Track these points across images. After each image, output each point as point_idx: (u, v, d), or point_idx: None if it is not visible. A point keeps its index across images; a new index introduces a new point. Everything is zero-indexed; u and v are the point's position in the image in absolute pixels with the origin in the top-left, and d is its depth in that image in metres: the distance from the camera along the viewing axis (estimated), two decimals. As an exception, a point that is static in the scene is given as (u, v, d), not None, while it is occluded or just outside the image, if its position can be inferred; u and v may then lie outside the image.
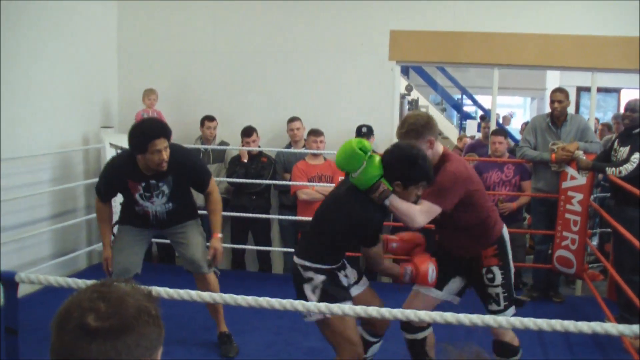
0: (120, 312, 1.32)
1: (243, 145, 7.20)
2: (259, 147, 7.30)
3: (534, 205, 6.85)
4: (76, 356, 1.29)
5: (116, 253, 4.85)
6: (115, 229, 5.00)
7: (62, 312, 1.34)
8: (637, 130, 5.74)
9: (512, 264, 4.14)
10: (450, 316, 2.54)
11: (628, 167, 5.59)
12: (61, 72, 6.91)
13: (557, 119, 6.49)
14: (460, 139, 12.16)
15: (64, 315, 1.33)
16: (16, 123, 6.27)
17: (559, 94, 6.50)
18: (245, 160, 7.15)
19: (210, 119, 7.37)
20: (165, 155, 4.46)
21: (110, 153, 6.84)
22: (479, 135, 12.85)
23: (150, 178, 4.64)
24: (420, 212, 3.75)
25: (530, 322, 2.49)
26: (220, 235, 4.93)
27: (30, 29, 6.46)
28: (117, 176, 4.71)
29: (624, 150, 5.77)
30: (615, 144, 5.98)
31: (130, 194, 4.72)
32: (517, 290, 6.84)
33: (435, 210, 3.80)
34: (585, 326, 2.42)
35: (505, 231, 4.13)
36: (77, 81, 7.25)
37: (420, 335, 4.30)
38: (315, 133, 7.07)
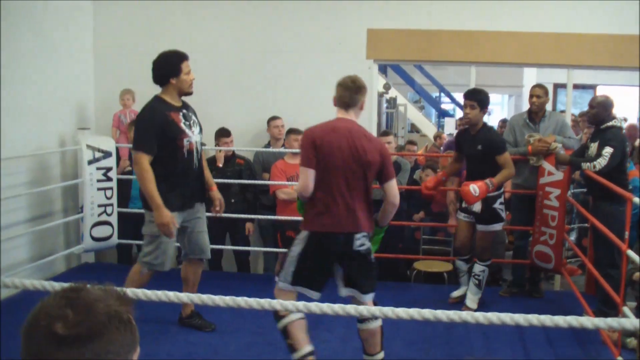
0: (89, 319, 1.30)
1: (218, 147, 7.15)
2: (233, 148, 7.26)
3: (514, 202, 6.89)
4: None
5: (170, 245, 5.01)
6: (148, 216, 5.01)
7: (30, 319, 1.32)
8: (604, 125, 5.82)
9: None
10: (428, 313, 2.55)
11: (601, 162, 5.65)
12: (36, 73, 6.84)
13: (535, 114, 6.54)
14: (437, 136, 12.20)
15: (32, 322, 1.31)
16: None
17: (538, 89, 6.56)
18: (221, 165, 7.10)
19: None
20: (194, 76, 5.03)
21: (87, 155, 6.79)
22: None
23: (182, 109, 5.03)
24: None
25: (507, 318, 2.50)
26: (215, 187, 5.38)
27: (4, 30, 6.39)
28: (158, 114, 4.90)
29: (594, 146, 5.86)
30: (589, 140, 6.07)
31: (176, 126, 4.92)
32: (497, 286, 6.91)
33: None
34: (561, 320, 2.43)
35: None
36: (53, 82, 7.19)
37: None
38: (294, 132, 7.06)
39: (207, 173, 5.34)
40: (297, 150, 6.96)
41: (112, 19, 7.98)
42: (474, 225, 6.15)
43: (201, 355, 5.11)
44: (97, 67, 8.00)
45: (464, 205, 6.08)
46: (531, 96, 6.54)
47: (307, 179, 4.18)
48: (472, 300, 6.11)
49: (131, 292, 2.55)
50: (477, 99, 5.83)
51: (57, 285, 2.77)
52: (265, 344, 5.29)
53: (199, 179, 5.18)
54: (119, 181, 7.12)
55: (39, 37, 6.91)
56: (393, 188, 4.31)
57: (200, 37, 7.85)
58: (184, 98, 5.11)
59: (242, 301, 2.59)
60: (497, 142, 5.91)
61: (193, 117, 5.11)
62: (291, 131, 7.09)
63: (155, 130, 4.87)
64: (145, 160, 4.80)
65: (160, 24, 7.93)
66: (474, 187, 5.63)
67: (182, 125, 4.95)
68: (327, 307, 2.60)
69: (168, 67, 4.96)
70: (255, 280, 7.17)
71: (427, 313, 2.55)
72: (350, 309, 2.66)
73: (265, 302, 2.59)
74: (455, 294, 6.39)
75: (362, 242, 4.24)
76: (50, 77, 7.13)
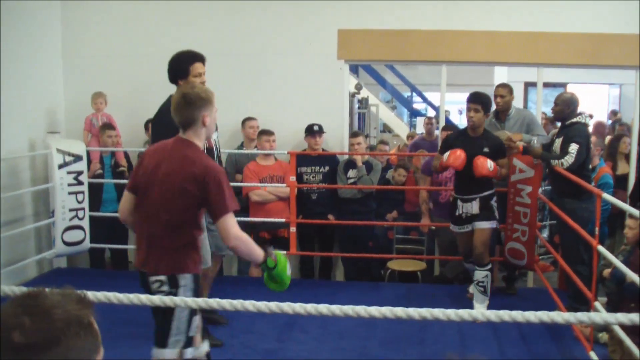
0: (46, 327, 1.29)
1: None
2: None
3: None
4: None
5: (205, 239, 4.91)
6: None
7: None
8: (569, 122, 5.91)
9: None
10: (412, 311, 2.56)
11: (569, 160, 5.73)
12: (4, 76, 6.76)
13: (501, 113, 6.60)
14: (410, 136, 12.25)
15: None
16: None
17: (502, 89, 6.64)
18: None
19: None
20: (204, 79, 4.91)
21: (57, 159, 6.73)
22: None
23: None
24: None
25: (479, 314, 2.51)
26: None
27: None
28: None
29: (558, 142, 5.97)
30: (554, 136, 6.17)
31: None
32: (470, 283, 6.95)
33: None
34: (532, 316, 2.45)
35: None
36: (22, 86, 7.11)
37: None
38: (266, 133, 7.06)
39: None
40: (270, 152, 6.97)
41: (81, 21, 7.90)
42: (471, 233, 6.05)
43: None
44: (67, 70, 7.92)
45: (458, 212, 6.07)
46: (495, 96, 6.61)
47: (122, 202, 3.83)
48: (479, 307, 5.90)
49: (90, 294, 2.52)
50: (482, 102, 5.87)
51: (17, 289, 2.75)
52: (242, 347, 5.28)
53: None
54: (90, 185, 7.07)
55: (6, 40, 6.83)
56: (223, 229, 3.51)
57: (170, 38, 7.79)
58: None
59: (215, 302, 2.59)
60: (504, 146, 6.03)
61: None
62: (263, 132, 7.09)
63: (174, 131, 4.84)
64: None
65: (131, 25, 7.86)
66: (490, 162, 5.76)
67: None
68: (300, 307, 2.60)
69: (177, 68, 4.95)
70: (229, 282, 7.15)
71: (400, 311, 2.56)
72: (323, 308, 2.66)
73: (238, 304, 2.59)
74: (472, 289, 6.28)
75: (158, 286, 3.58)
76: (18, 81, 7.05)
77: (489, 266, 6.02)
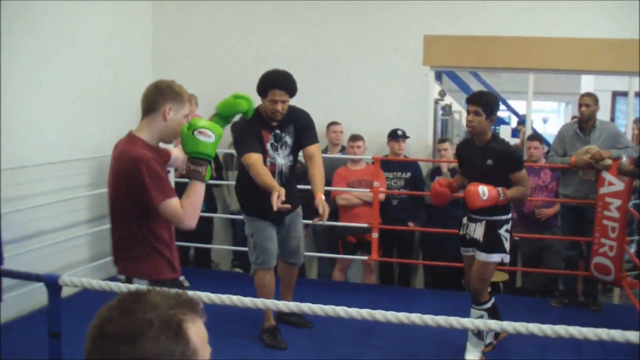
0: (127, 323, 1.30)
1: None
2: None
3: (562, 212, 6.77)
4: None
5: (267, 241, 5.19)
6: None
7: (94, 320, 1.35)
8: None
9: None
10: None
11: None
12: (96, 76, 6.98)
13: (585, 124, 6.42)
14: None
15: (92, 323, 1.34)
16: (52, 128, 6.35)
17: (587, 98, 6.45)
18: None
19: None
20: (280, 107, 4.91)
21: (145, 158, 6.89)
22: (514, 141, 12.74)
23: (276, 128, 5.07)
24: None
25: (562, 330, 2.46)
26: (322, 195, 4.96)
27: (65, 34, 6.56)
28: (251, 126, 4.96)
29: None
30: None
31: (262, 144, 4.97)
32: (552, 296, 6.80)
33: None
34: (618, 334, 2.39)
35: None
36: (112, 85, 7.32)
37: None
38: (353, 138, 7.09)
39: (316, 180, 5.04)
40: (359, 157, 6.98)
41: (171, 23, 8.10)
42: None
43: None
44: (156, 70, 8.11)
45: (462, 231, 5.19)
46: (580, 105, 6.44)
47: None
48: (472, 353, 5.16)
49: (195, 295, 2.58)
50: (483, 103, 4.86)
51: (113, 285, 2.84)
52: (318, 350, 5.31)
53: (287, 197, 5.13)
54: (177, 184, 7.21)
55: (99, 40, 7.05)
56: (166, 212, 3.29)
57: (256, 42, 7.91)
58: (296, 114, 5.16)
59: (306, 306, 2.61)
60: (514, 156, 4.99)
61: (286, 138, 5.12)
62: (351, 137, 7.11)
63: (252, 136, 4.98)
64: (252, 156, 4.84)
65: (218, 28, 8.01)
66: (483, 189, 4.74)
67: (268, 145, 5.05)
68: (380, 315, 2.61)
69: (260, 86, 5.02)
70: (309, 285, 7.18)
71: (480, 323, 2.54)
72: (403, 317, 2.65)
73: (317, 308, 2.61)
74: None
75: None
76: (109, 80, 7.26)
77: (487, 305, 5.10)
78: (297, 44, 7.83)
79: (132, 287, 2.72)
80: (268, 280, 5.29)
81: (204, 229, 7.27)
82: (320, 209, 4.89)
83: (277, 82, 4.92)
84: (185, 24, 8.11)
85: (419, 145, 7.58)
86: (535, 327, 2.48)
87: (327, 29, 7.75)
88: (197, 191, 3.25)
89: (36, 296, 5.77)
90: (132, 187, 3.28)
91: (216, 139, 3.19)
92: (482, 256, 4.96)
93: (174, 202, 3.24)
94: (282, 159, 5.16)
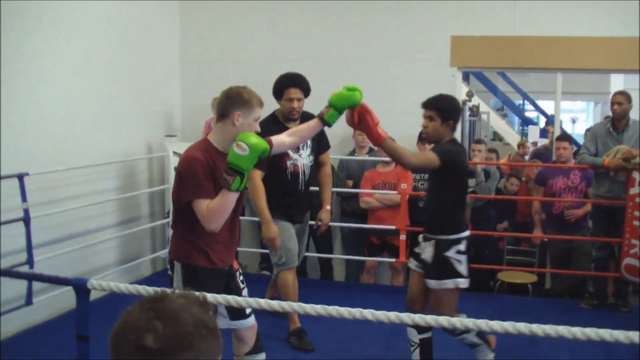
0: (178, 331, 1.31)
1: None
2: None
3: (594, 212, 6.69)
4: None
5: (288, 242, 5.22)
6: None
7: (117, 331, 1.34)
8: None
9: None
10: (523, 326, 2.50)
11: None
12: (124, 80, 7.03)
13: (617, 122, 6.34)
14: (520, 145, 12.00)
15: (120, 334, 1.33)
16: (81, 133, 6.41)
17: (620, 96, 6.36)
18: None
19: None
20: (297, 105, 5.08)
21: (173, 161, 6.93)
22: (542, 142, 12.65)
23: None
24: None
25: (593, 332, 2.42)
26: (328, 207, 5.33)
27: (95, 39, 6.62)
28: (266, 132, 4.96)
29: None
30: None
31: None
32: (582, 298, 6.71)
33: None
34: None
35: None
36: (140, 90, 7.37)
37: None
38: None
39: (324, 191, 5.47)
40: (385, 159, 6.95)
41: (199, 27, 8.14)
42: (420, 279, 4.54)
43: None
44: (184, 74, 8.17)
45: (415, 249, 4.61)
46: (612, 104, 6.36)
47: None
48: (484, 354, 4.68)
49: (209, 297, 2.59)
50: (437, 108, 4.47)
51: (142, 289, 2.85)
52: (345, 353, 5.29)
53: (305, 200, 5.33)
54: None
55: (127, 45, 7.11)
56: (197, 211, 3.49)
57: (285, 45, 7.92)
58: (312, 117, 5.23)
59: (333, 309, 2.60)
60: (439, 146, 4.43)
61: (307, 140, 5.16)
62: None
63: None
64: (257, 176, 4.95)
65: (246, 32, 8.03)
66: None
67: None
68: (407, 317, 2.59)
69: (275, 88, 5.20)
70: (337, 288, 7.17)
71: (509, 326, 2.50)
72: (431, 319, 2.63)
73: (345, 311, 2.60)
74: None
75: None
76: (137, 85, 7.31)
77: (465, 331, 4.47)
78: (324, 46, 7.83)
79: (151, 290, 2.76)
80: (292, 281, 5.30)
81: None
82: (323, 220, 5.34)
83: (291, 81, 5.13)
84: (212, 27, 8.14)
85: (446, 147, 7.53)
86: (565, 330, 2.44)
87: (354, 30, 7.74)
88: (224, 198, 3.40)
89: (65, 299, 5.82)
90: (176, 182, 3.57)
91: (250, 153, 3.31)
92: (432, 283, 4.38)
93: (201, 203, 3.41)
94: (304, 160, 5.25)
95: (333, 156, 7.28)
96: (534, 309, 6.50)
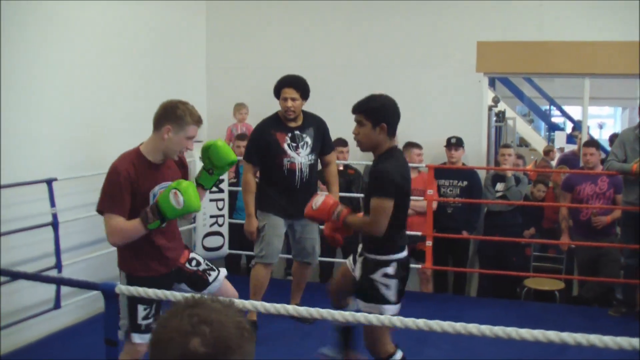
0: (225, 334, 1.33)
1: (337, 155, 7.20)
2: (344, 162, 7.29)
3: (624, 219, 6.61)
4: None
5: (273, 237, 5.40)
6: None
7: (161, 334, 1.35)
8: None
9: None
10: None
11: None
12: (151, 85, 7.07)
13: None
14: (547, 150, 11.92)
15: (164, 338, 1.34)
16: (109, 138, 6.44)
17: None
18: (341, 168, 7.20)
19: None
20: (292, 104, 5.27)
21: (200, 167, 6.95)
22: (569, 147, 12.54)
23: (295, 129, 5.38)
24: None
25: (625, 342, 2.40)
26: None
27: (122, 44, 6.67)
28: (264, 130, 5.38)
29: None
30: None
31: (278, 145, 5.29)
32: (610, 306, 6.64)
33: None
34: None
35: None
36: (167, 95, 7.34)
37: None
38: (412, 145, 7.05)
39: (332, 189, 5.66)
40: (417, 165, 6.93)
41: (225, 32, 8.20)
42: (347, 275, 4.27)
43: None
44: (210, 81, 8.21)
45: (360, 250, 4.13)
46: None
47: None
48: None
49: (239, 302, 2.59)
50: (364, 110, 4.04)
51: (169, 294, 2.87)
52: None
53: (304, 196, 5.29)
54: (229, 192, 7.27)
55: (154, 51, 7.16)
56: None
57: (310, 52, 7.94)
58: (315, 118, 5.53)
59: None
60: (377, 178, 3.88)
61: (307, 139, 5.42)
62: (409, 145, 7.06)
63: (259, 144, 5.36)
64: (249, 170, 5.40)
65: (271, 39, 8.07)
66: (318, 200, 4.07)
67: (285, 145, 5.32)
68: (436, 325, 2.58)
69: (274, 89, 5.41)
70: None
71: (539, 334, 2.48)
72: (460, 327, 2.62)
73: (373, 318, 2.59)
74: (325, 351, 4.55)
75: None
76: (163, 90, 7.34)
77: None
78: (350, 53, 7.84)
79: (178, 295, 2.79)
80: (263, 276, 5.43)
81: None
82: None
83: (286, 81, 5.33)
84: (239, 32, 8.19)
85: (472, 153, 7.50)
86: (596, 339, 2.41)
87: (380, 37, 7.74)
88: (136, 229, 3.49)
89: (92, 303, 5.88)
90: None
91: (182, 209, 3.39)
92: (359, 304, 3.95)
93: (112, 218, 3.53)
94: (302, 158, 5.38)
95: (359, 162, 7.30)
96: (560, 316, 6.44)
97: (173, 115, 3.62)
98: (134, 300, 3.51)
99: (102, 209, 3.55)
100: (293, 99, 5.28)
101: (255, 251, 5.51)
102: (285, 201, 5.38)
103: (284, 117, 5.38)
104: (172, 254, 3.81)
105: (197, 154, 7.11)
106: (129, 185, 3.54)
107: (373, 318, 2.68)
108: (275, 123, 5.39)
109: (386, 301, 3.85)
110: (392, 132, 3.99)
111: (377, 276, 3.85)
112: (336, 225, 3.93)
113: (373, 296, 3.85)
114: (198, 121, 3.73)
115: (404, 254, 3.97)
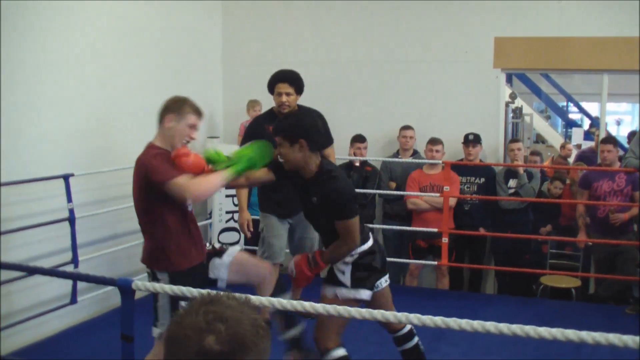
0: (240, 332, 1.32)
1: (354, 151, 7.22)
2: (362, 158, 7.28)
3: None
4: None
5: (272, 238, 5.44)
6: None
7: (176, 332, 1.35)
8: None
9: None
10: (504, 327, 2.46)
11: None
12: (167, 81, 7.07)
13: None
14: (562, 146, 11.85)
15: (179, 334, 1.33)
16: (126, 133, 6.47)
17: None
18: (358, 164, 7.20)
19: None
20: (286, 99, 5.23)
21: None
22: (587, 144, 12.45)
23: None
24: None
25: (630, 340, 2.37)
26: None
27: (138, 40, 6.69)
28: (258, 125, 5.41)
29: None
30: None
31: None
32: (627, 304, 6.60)
33: None
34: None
35: None
36: (183, 91, 7.33)
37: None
38: (432, 142, 7.02)
39: None
40: (433, 161, 6.90)
41: (241, 30, 8.20)
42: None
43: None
44: (226, 76, 8.22)
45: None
46: None
47: None
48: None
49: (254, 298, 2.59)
50: (281, 131, 3.90)
51: (186, 290, 2.86)
52: (387, 354, 5.27)
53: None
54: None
55: (170, 47, 7.17)
56: (177, 191, 3.63)
57: (326, 47, 7.93)
58: (310, 111, 5.38)
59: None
60: (339, 200, 3.80)
61: None
62: (431, 141, 7.04)
63: (252, 139, 5.21)
64: None
65: (287, 35, 8.07)
66: (291, 269, 4.04)
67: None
68: (454, 323, 2.56)
69: (268, 84, 5.40)
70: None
71: (557, 333, 2.46)
72: (477, 325, 2.60)
73: (390, 315, 2.58)
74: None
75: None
76: (180, 86, 7.36)
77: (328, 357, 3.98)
78: (367, 49, 7.82)
79: (195, 292, 2.80)
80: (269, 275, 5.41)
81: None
82: None
83: (280, 76, 5.32)
84: (254, 28, 8.20)
85: (489, 149, 7.47)
86: (615, 338, 2.39)
87: (397, 32, 7.72)
88: (215, 175, 3.72)
89: (108, 298, 5.90)
90: (141, 184, 3.75)
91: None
92: (325, 290, 4.06)
93: (179, 178, 3.59)
94: None
95: (376, 158, 7.29)
96: (577, 314, 6.41)
97: (173, 105, 3.87)
98: (175, 299, 3.55)
99: (165, 178, 3.58)
100: (287, 94, 5.26)
101: (258, 253, 5.52)
102: (282, 198, 5.33)
103: (278, 112, 5.33)
104: (202, 242, 3.99)
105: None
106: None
107: (390, 316, 2.66)
108: (270, 118, 5.35)
109: (341, 284, 3.97)
110: (314, 147, 3.84)
111: (339, 265, 4.00)
112: (319, 268, 4.00)
113: (332, 280, 4.03)
114: (197, 111, 3.92)
115: (368, 244, 4.05)
